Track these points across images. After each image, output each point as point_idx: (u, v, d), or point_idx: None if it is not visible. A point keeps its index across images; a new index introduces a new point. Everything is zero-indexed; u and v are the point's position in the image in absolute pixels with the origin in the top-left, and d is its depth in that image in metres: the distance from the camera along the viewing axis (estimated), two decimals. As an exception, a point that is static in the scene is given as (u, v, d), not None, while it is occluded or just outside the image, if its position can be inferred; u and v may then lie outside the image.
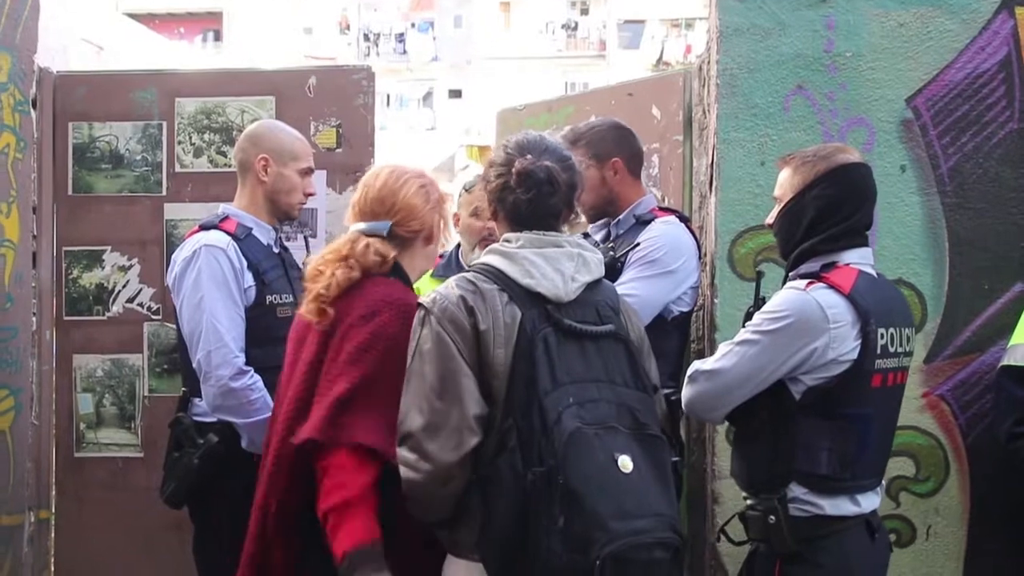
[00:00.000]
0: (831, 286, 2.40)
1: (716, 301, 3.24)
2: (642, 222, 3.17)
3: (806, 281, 2.42)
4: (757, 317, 2.44)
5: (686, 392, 2.50)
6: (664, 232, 3.10)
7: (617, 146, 3.17)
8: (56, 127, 3.76)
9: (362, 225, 2.50)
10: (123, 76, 3.87)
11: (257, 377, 2.96)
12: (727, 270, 3.23)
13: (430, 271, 3.05)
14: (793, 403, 2.40)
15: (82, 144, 3.76)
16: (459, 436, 2.11)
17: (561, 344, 2.14)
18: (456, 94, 31.58)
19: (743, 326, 2.52)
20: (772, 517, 2.40)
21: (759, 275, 2.65)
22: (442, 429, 2.12)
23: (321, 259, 2.48)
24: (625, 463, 2.06)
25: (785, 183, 2.54)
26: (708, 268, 3.32)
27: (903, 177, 3.16)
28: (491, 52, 30.87)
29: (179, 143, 3.72)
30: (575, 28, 32.59)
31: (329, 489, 2.24)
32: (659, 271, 3.01)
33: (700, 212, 3.53)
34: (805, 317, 2.36)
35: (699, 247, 3.25)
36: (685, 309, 3.17)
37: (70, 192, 3.77)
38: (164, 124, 3.73)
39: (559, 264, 2.21)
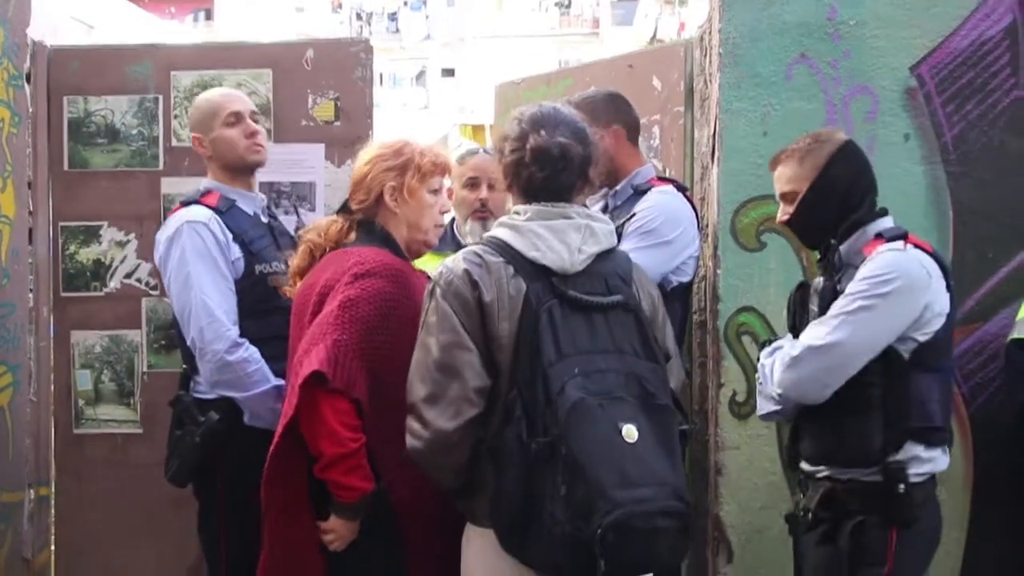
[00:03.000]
0: (917, 245, 2.47)
1: (718, 272, 3.23)
2: (639, 192, 3.15)
3: (902, 242, 2.45)
4: (861, 284, 2.43)
5: (790, 374, 2.47)
6: (660, 202, 3.07)
7: (617, 114, 3.15)
8: (51, 101, 3.71)
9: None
10: (118, 50, 3.82)
11: (253, 349, 2.95)
12: (729, 241, 3.21)
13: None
14: (904, 362, 2.43)
15: (77, 118, 3.71)
16: (457, 406, 2.15)
17: (567, 316, 2.15)
18: (449, 73, 31.45)
19: (813, 295, 2.53)
20: (902, 486, 2.41)
21: (828, 248, 2.58)
22: (441, 399, 2.16)
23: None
24: (630, 432, 2.07)
25: (794, 176, 2.55)
26: (710, 239, 3.31)
27: (907, 146, 3.14)
28: (484, 30, 30.72)
29: (175, 117, 3.68)
30: (568, 6, 32.44)
31: (334, 435, 2.31)
32: (655, 241, 2.99)
33: (702, 183, 3.51)
34: (914, 275, 2.41)
35: (698, 217, 3.23)
36: (685, 280, 3.14)
37: (66, 167, 3.72)
38: (160, 98, 3.69)
39: (565, 236, 2.22)
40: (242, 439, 2.98)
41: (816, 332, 2.46)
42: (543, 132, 2.26)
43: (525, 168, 2.27)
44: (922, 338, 2.43)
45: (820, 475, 2.55)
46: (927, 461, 2.45)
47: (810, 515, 2.55)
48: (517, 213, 2.28)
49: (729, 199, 3.21)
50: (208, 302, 2.92)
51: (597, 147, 2.36)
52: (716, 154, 3.26)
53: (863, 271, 2.44)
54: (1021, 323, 2.89)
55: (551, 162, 2.26)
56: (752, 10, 3.18)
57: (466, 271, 2.20)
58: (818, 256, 2.64)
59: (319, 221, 2.71)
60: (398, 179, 2.59)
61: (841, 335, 2.41)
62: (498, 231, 2.28)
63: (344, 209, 2.67)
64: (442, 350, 2.18)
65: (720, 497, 3.24)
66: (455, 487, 2.25)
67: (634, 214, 3.04)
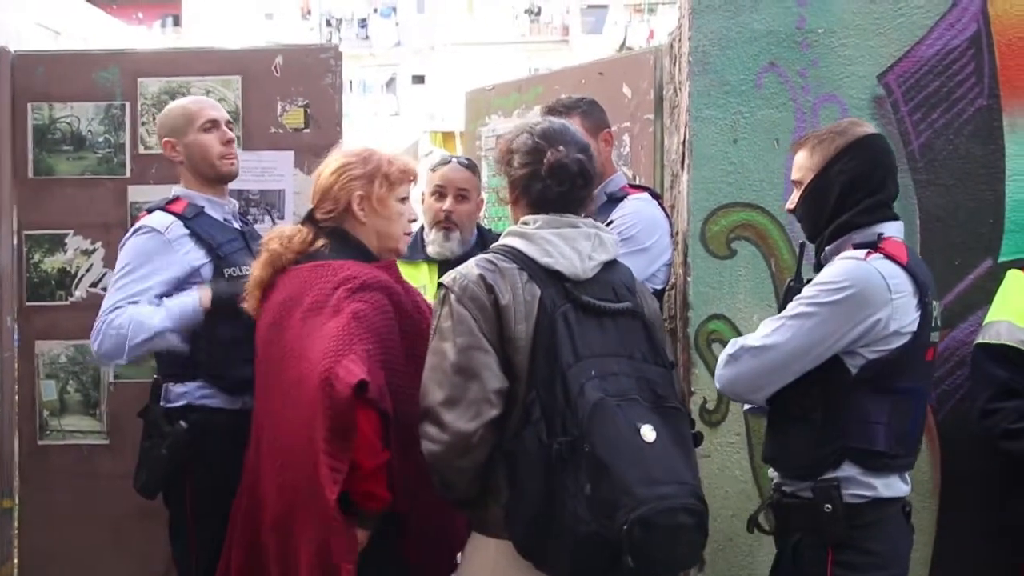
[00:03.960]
0: (888, 256, 2.37)
1: (689, 279, 3.23)
2: (614, 200, 3.16)
3: (864, 251, 2.38)
4: (811, 289, 2.39)
5: (727, 371, 2.45)
6: (637, 209, 3.09)
7: (603, 118, 3.18)
8: (15, 108, 3.67)
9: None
10: (83, 56, 3.78)
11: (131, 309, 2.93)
12: (700, 248, 3.22)
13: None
14: (849, 377, 2.35)
15: (42, 125, 3.67)
16: (477, 407, 2.16)
17: (581, 320, 2.20)
18: (419, 80, 31.38)
19: (784, 301, 2.50)
20: (828, 506, 2.34)
21: (802, 247, 2.62)
22: (461, 402, 2.17)
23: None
24: (647, 432, 2.10)
25: (803, 165, 2.51)
26: (680, 246, 3.32)
27: (874, 154, 3.16)
28: (454, 37, 30.71)
29: (143, 124, 3.64)
30: (538, 13, 32.48)
31: (372, 446, 2.29)
32: (633, 248, 3.00)
33: (672, 191, 3.52)
34: (867, 287, 2.33)
35: (671, 225, 3.25)
36: (658, 287, 3.16)
37: (30, 175, 3.68)
38: (127, 105, 3.65)
39: (576, 243, 2.26)
40: (211, 448, 2.95)
41: (758, 332, 2.45)
42: (561, 148, 2.30)
43: (539, 181, 2.30)
44: (872, 355, 2.34)
45: (774, 481, 2.54)
46: (864, 485, 2.36)
47: (750, 525, 2.55)
48: (526, 223, 2.31)
49: (699, 207, 3.22)
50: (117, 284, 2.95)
51: (597, 161, 2.43)
52: (686, 162, 3.28)
53: (819, 277, 2.42)
54: (986, 328, 2.90)
55: (571, 178, 2.30)
56: (722, 18, 3.19)
57: (481, 276, 2.22)
58: (788, 263, 2.66)
59: (281, 229, 2.66)
60: (366, 188, 2.56)
61: (778, 338, 2.38)
62: (508, 240, 2.30)
63: (309, 219, 2.63)
64: (460, 353, 2.18)
65: (692, 504, 3.23)
66: (468, 496, 2.24)
67: (611, 221, 3.05)
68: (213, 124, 3.08)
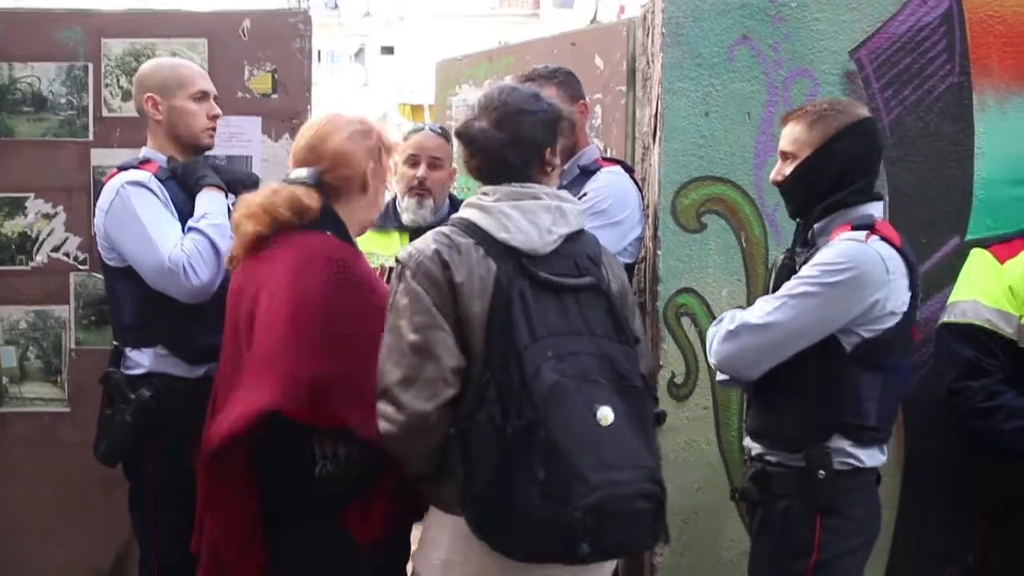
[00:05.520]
0: (884, 238, 2.41)
1: (659, 253, 3.23)
2: (587, 172, 3.15)
3: (864, 233, 2.41)
4: (812, 269, 2.40)
5: (725, 347, 2.46)
6: (610, 182, 3.08)
7: (579, 89, 3.17)
8: (-28, 68, 3.58)
9: (292, 173, 2.45)
10: (44, 14, 3.67)
11: (188, 239, 2.85)
12: (670, 221, 3.21)
13: None
14: (844, 355, 2.40)
15: (2, 86, 3.58)
16: (434, 387, 2.12)
17: (538, 297, 2.13)
18: (389, 51, 31.13)
19: (777, 275, 2.51)
20: (822, 472, 2.39)
21: (799, 224, 2.58)
22: (417, 381, 2.12)
23: (242, 208, 2.42)
24: (605, 415, 2.05)
25: (800, 138, 2.50)
26: (651, 219, 3.30)
27: (845, 130, 3.16)
28: (424, 8, 30.45)
29: (106, 86, 3.57)
30: (510, -14, 32.27)
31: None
32: (606, 222, 2.99)
33: (643, 163, 3.50)
34: (868, 269, 2.36)
35: (643, 198, 3.24)
36: (629, 261, 3.16)
37: (-10, 136, 3.60)
38: (90, 66, 3.57)
39: (535, 217, 2.20)
40: (174, 417, 2.92)
41: (757, 309, 2.46)
42: (521, 116, 2.24)
43: (502, 150, 2.23)
44: (867, 334, 2.40)
45: (754, 453, 2.56)
46: (852, 456, 2.44)
47: (737, 495, 2.56)
48: (485, 194, 2.25)
49: (670, 179, 3.21)
50: (147, 231, 2.84)
51: (565, 128, 2.35)
52: (657, 134, 3.26)
53: (819, 256, 2.43)
54: (952, 307, 2.92)
55: (526, 147, 2.24)
56: (696, -10, 3.18)
57: (436, 251, 2.16)
58: (758, 237, 2.66)
59: (292, 193, 2.39)
60: (376, 160, 2.50)
61: (780, 316, 2.40)
62: (466, 212, 2.25)
63: (316, 183, 2.44)
64: (416, 331, 2.13)
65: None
66: (424, 472, 2.20)
67: (585, 194, 3.03)
68: (204, 95, 3.03)
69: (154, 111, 3.02)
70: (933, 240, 3.18)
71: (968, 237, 3.16)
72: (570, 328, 2.13)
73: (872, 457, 2.47)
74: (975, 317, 2.83)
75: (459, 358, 2.13)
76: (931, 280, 3.16)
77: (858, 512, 2.46)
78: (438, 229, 2.25)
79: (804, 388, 2.44)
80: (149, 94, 3.01)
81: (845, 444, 2.42)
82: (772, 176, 2.61)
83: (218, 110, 3.07)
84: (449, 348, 2.13)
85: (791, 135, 2.52)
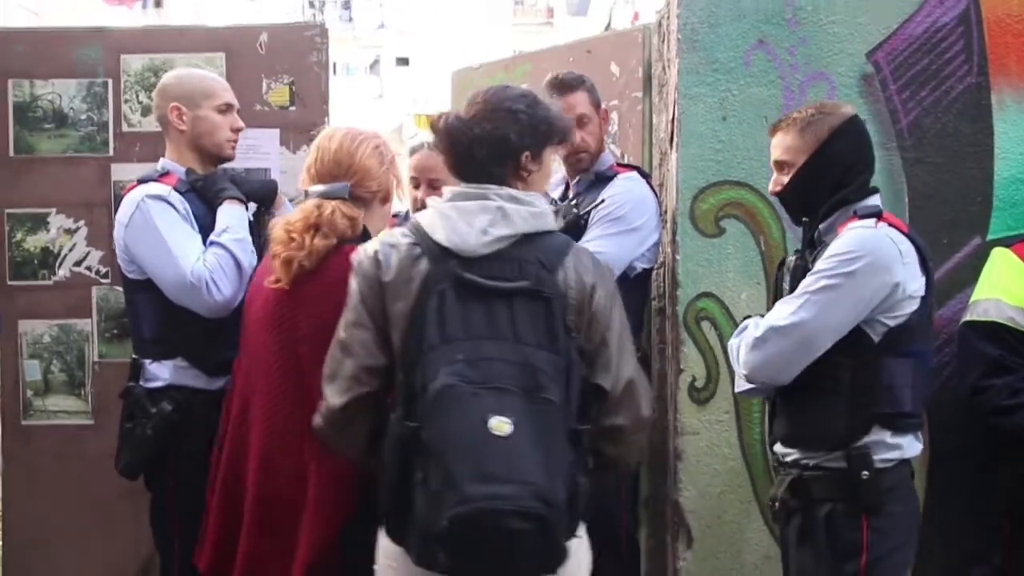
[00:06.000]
0: (892, 225, 2.43)
1: (677, 258, 3.22)
2: (603, 178, 3.16)
3: (873, 220, 2.42)
4: (827, 263, 2.40)
5: (755, 355, 2.43)
6: (628, 188, 3.09)
7: (599, 96, 3.18)
8: (-6, 85, 3.62)
9: (320, 188, 2.48)
10: (65, 32, 3.72)
11: (211, 254, 2.87)
12: (688, 227, 3.21)
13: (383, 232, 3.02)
14: (873, 346, 2.39)
15: (23, 103, 3.61)
16: (347, 383, 2.15)
17: (464, 300, 2.05)
18: (403, 62, 31.25)
19: (792, 277, 2.50)
20: (865, 472, 2.38)
21: (804, 225, 2.57)
22: (336, 377, 2.16)
23: (289, 224, 2.44)
24: (499, 425, 1.92)
25: (792, 146, 2.50)
26: (669, 225, 3.31)
27: (863, 132, 3.16)
28: (439, 19, 30.53)
29: (126, 102, 3.60)
30: (523, -5, 32.36)
31: None
32: (624, 228, 3.01)
33: (660, 169, 3.51)
34: (881, 253, 2.37)
35: (660, 203, 3.24)
36: (647, 266, 3.17)
37: (11, 153, 3.62)
38: (109, 82, 3.60)
39: (472, 218, 2.12)
40: (194, 430, 2.94)
41: (780, 312, 2.44)
42: (499, 113, 2.17)
43: (472, 148, 2.17)
44: (892, 322, 2.39)
45: (789, 459, 2.53)
46: (894, 447, 2.43)
47: (777, 504, 2.52)
48: (444, 195, 2.21)
49: (688, 185, 3.21)
50: (167, 244, 2.85)
51: (551, 131, 2.23)
52: (675, 140, 3.26)
53: (831, 249, 2.42)
54: (974, 306, 2.91)
55: (497, 145, 2.16)
56: (710, -4, 3.18)
57: (376, 251, 2.17)
58: (777, 241, 2.65)
59: (335, 208, 2.44)
60: (394, 173, 2.58)
61: (804, 315, 2.38)
62: (420, 213, 2.24)
63: (354, 197, 2.50)
64: (343, 328, 2.18)
65: (679, 483, 3.24)
66: (363, 466, 2.24)
67: (602, 200, 3.04)
68: (228, 107, 3.05)
69: (178, 121, 3.03)
70: (954, 241, 3.17)
71: (989, 237, 3.15)
72: (492, 333, 2.03)
73: (911, 445, 2.47)
74: (998, 315, 2.82)
75: (376, 357, 2.14)
76: (953, 280, 3.14)
77: (900, 508, 2.45)
78: (390, 229, 2.27)
79: (836, 385, 2.42)
80: (175, 104, 3.02)
81: (885, 435, 2.42)
82: (771, 188, 2.61)
83: (241, 123, 3.09)
84: (366, 346, 2.14)
85: (783, 144, 2.52)
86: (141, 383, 3.00)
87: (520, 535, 1.91)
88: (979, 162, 3.16)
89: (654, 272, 3.31)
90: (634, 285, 3.13)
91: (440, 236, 2.12)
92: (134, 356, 3.06)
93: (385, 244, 2.18)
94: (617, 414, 2.15)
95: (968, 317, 2.91)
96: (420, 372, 2.02)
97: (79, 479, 3.57)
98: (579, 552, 2.12)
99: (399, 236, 2.18)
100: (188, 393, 2.96)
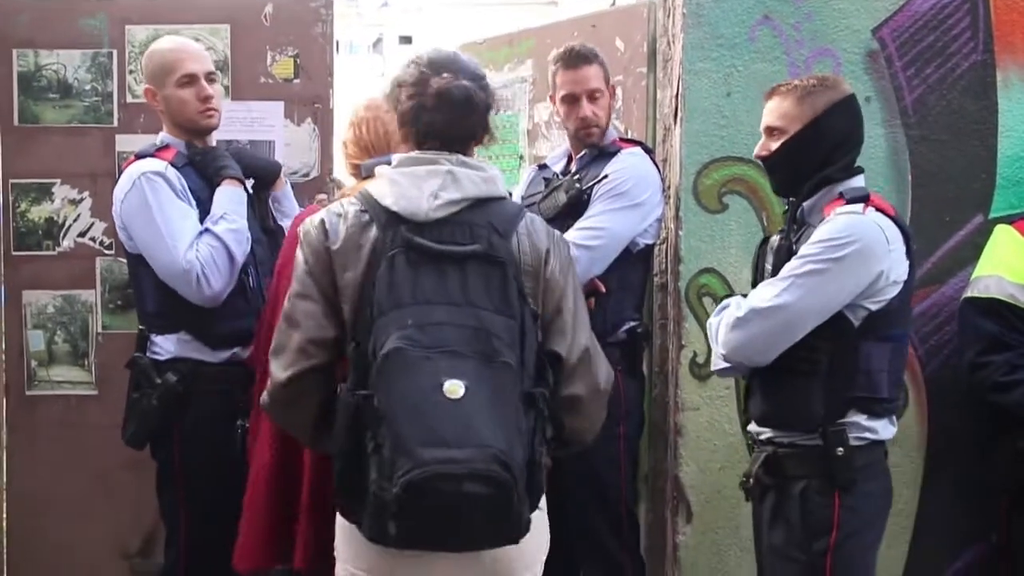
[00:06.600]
0: (879, 209, 2.40)
1: (680, 233, 3.23)
2: (606, 153, 3.15)
3: (861, 205, 2.39)
4: (814, 247, 2.38)
5: (735, 335, 2.42)
6: (631, 164, 3.08)
7: (610, 71, 3.18)
8: (-1, 55, 3.62)
9: (372, 161, 2.45)
10: (69, 2, 3.66)
11: (204, 244, 2.88)
12: (691, 202, 3.21)
13: None
14: (853, 330, 2.38)
15: (27, 73, 3.61)
16: (292, 356, 2.06)
17: (416, 265, 2.00)
18: (407, 40, 31.10)
19: (776, 258, 2.49)
20: (840, 449, 2.38)
21: (792, 205, 2.56)
22: (283, 351, 2.07)
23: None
24: (452, 388, 1.88)
25: (787, 113, 2.47)
26: (672, 200, 3.31)
27: (868, 108, 3.12)
28: (442, -2, 30.39)
29: (130, 72, 3.59)
30: (527, -26, 32.15)
31: None
32: (627, 203, 3.00)
33: (664, 144, 3.50)
34: (870, 241, 2.35)
35: (663, 179, 3.24)
36: (650, 242, 3.17)
37: (16, 123, 3.62)
38: (114, 52, 3.59)
39: (421, 182, 2.07)
40: (200, 401, 2.96)
41: (763, 293, 2.42)
42: (446, 75, 2.12)
43: (425, 112, 2.11)
44: (874, 307, 2.38)
45: (763, 437, 2.53)
46: (867, 429, 2.42)
47: (751, 480, 2.53)
48: (390, 163, 2.16)
49: (691, 160, 3.21)
50: (163, 230, 2.87)
51: (495, 95, 2.21)
52: (679, 115, 3.26)
53: (819, 233, 2.40)
54: (975, 282, 2.92)
55: (456, 106, 2.10)
56: (716, -29, 3.17)
57: (322, 220, 2.09)
58: (779, 217, 2.64)
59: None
60: None
61: (789, 298, 2.36)
62: (369, 181, 2.19)
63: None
64: (289, 300, 2.10)
65: (680, 458, 3.26)
66: (311, 443, 2.18)
67: (606, 176, 3.04)
68: (190, 79, 2.99)
69: (154, 102, 3.06)
70: (956, 218, 3.17)
71: (992, 215, 3.15)
72: (444, 298, 1.99)
73: (885, 429, 2.46)
74: (998, 292, 2.83)
75: (324, 329, 2.06)
76: (955, 258, 3.16)
77: (872, 487, 2.45)
78: (340, 199, 2.20)
79: (814, 368, 2.41)
80: (147, 86, 3.06)
81: (861, 419, 2.41)
82: (756, 151, 2.57)
83: (208, 90, 3.01)
84: (314, 317, 2.06)
85: (779, 110, 2.49)
86: (147, 355, 3.01)
87: (476, 499, 1.84)
88: (983, 140, 3.16)
89: (656, 248, 3.31)
90: (636, 261, 3.13)
91: (389, 202, 2.06)
92: (140, 328, 3.07)
93: (331, 212, 2.10)
94: (574, 383, 2.12)
95: (969, 293, 2.93)
96: (372, 339, 1.95)
97: (82, 449, 3.58)
98: (539, 527, 2.07)
99: (346, 204, 2.12)
100: (193, 365, 2.98)
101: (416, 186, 2.07)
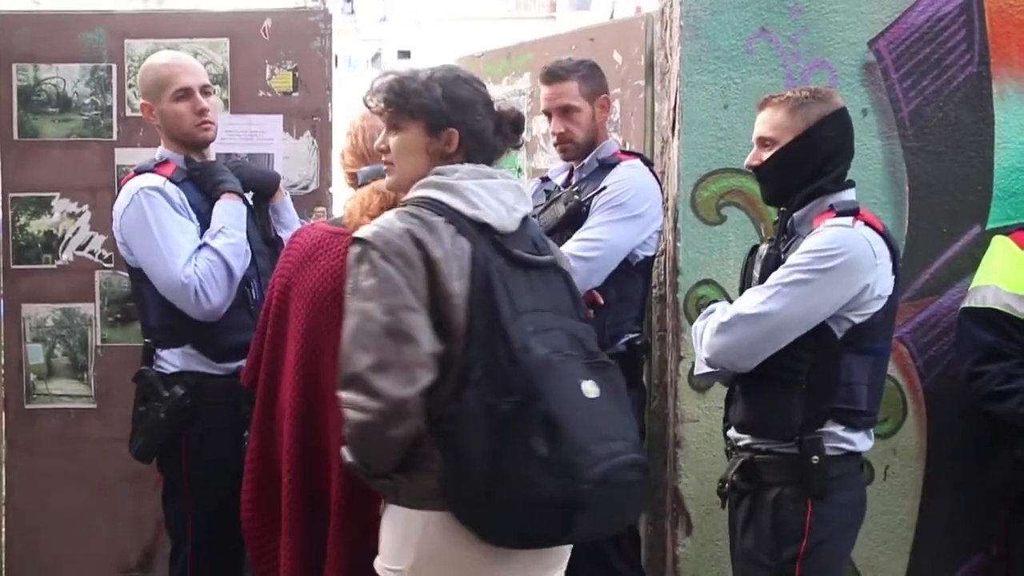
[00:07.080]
0: (868, 223, 2.42)
1: (679, 245, 3.24)
2: (606, 166, 3.16)
3: (851, 218, 2.41)
4: (802, 257, 2.39)
5: (719, 339, 2.44)
6: (630, 176, 3.09)
7: (603, 83, 3.18)
8: (-1, 69, 3.63)
9: (367, 169, 2.48)
10: (69, 16, 3.71)
11: (203, 259, 2.88)
12: (690, 214, 3.22)
13: None
14: (835, 342, 2.40)
15: (27, 87, 3.62)
16: (412, 372, 1.97)
17: (513, 274, 2.06)
18: (405, 55, 31.19)
19: (763, 267, 2.51)
20: (816, 457, 2.39)
21: (783, 215, 2.57)
22: (393, 366, 1.97)
23: (369, 209, 2.35)
24: (589, 389, 2.01)
25: (779, 124, 2.48)
26: (670, 212, 3.32)
27: (864, 121, 3.17)
28: (441, 12, 30.50)
29: (130, 86, 3.60)
30: (526, -12, 32.29)
31: None
32: (626, 215, 3.01)
33: (662, 157, 3.52)
34: (857, 254, 2.37)
35: (662, 191, 3.25)
36: (649, 253, 3.17)
37: (15, 136, 3.63)
38: (114, 67, 3.61)
39: (500, 195, 2.12)
40: (207, 413, 2.97)
41: (749, 300, 2.44)
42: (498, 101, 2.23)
43: (498, 134, 2.20)
44: (857, 319, 2.40)
45: (741, 443, 2.54)
46: (844, 440, 2.43)
47: (727, 485, 2.53)
48: (442, 173, 2.12)
49: (689, 172, 3.22)
50: (161, 244, 2.87)
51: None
52: (676, 127, 3.27)
53: (807, 244, 2.41)
54: (972, 292, 2.93)
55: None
56: (713, -17, 3.19)
57: (407, 230, 2.02)
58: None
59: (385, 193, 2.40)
60: None
61: (774, 306, 2.38)
62: (427, 192, 2.10)
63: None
64: (388, 313, 1.98)
65: (679, 470, 3.26)
66: (390, 470, 2.05)
67: (604, 187, 3.05)
68: (185, 93, 2.99)
69: (150, 117, 3.07)
70: (954, 230, 3.18)
71: (989, 226, 3.16)
72: (542, 305, 2.09)
73: (862, 441, 2.47)
74: (995, 302, 2.83)
75: (434, 342, 2.00)
76: (952, 269, 3.16)
77: (846, 497, 2.46)
78: (401, 209, 2.11)
79: (795, 377, 2.42)
80: (143, 102, 3.07)
81: (838, 429, 2.42)
82: (748, 160, 2.58)
83: (203, 103, 3.01)
84: (425, 331, 1.99)
85: (771, 121, 2.50)
86: (154, 368, 3.02)
87: (635, 486, 2.05)
88: (980, 152, 3.17)
89: (655, 260, 3.32)
90: (636, 273, 3.14)
91: (476, 213, 2.07)
92: (146, 341, 3.08)
93: (412, 223, 2.04)
94: None
95: (966, 304, 2.93)
96: (502, 347, 1.97)
97: (82, 463, 3.58)
98: None
99: (421, 215, 2.06)
100: (199, 378, 2.98)
101: (497, 198, 2.12)
